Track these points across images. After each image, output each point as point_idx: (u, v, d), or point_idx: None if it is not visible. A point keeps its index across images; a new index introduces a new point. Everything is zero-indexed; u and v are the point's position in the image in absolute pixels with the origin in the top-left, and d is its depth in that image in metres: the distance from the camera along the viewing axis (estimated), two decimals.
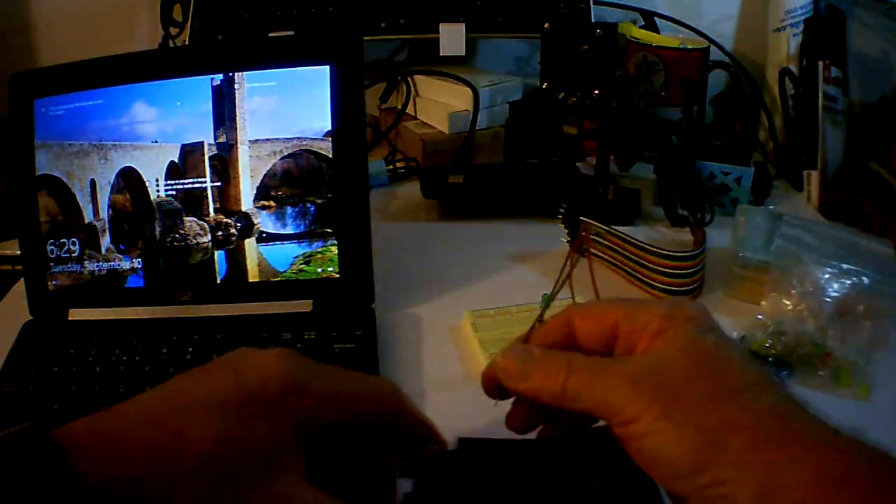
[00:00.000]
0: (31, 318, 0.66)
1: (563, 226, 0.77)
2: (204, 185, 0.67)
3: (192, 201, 0.67)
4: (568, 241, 0.76)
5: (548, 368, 0.37)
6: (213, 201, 0.67)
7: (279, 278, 0.67)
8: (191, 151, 0.67)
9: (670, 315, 0.37)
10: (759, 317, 0.63)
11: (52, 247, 0.67)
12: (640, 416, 0.34)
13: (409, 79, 1.02)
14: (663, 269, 0.68)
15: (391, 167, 0.96)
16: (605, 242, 0.73)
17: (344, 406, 0.37)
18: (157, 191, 0.67)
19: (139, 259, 0.67)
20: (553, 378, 0.37)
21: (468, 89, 0.96)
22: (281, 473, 0.34)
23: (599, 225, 0.73)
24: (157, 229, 0.67)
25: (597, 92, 0.83)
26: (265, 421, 0.34)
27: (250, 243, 0.67)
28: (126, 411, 0.34)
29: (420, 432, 0.41)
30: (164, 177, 0.67)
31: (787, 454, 0.31)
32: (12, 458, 0.30)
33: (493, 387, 0.40)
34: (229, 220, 0.67)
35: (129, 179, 0.67)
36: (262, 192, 0.67)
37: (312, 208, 0.67)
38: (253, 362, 0.36)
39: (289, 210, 0.67)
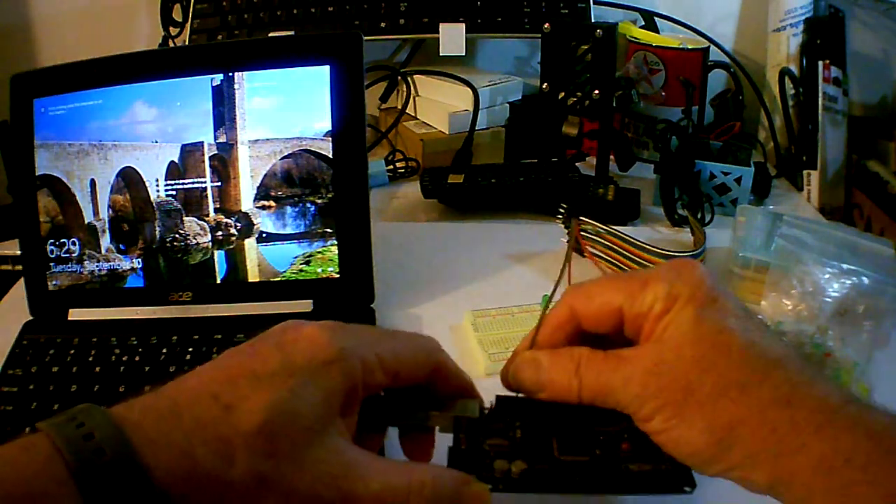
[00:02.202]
0: (31, 318, 0.66)
1: (563, 226, 0.77)
2: (204, 185, 0.67)
3: (192, 201, 0.67)
4: (568, 242, 0.76)
5: (558, 379, 0.39)
6: (213, 201, 0.67)
7: (279, 278, 0.67)
8: (191, 151, 0.67)
9: (671, 294, 0.37)
10: (759, 317, 0.63)
11: (52, 247, 0.67)
12: (652, 417, 0.36)
13: (409, 79, 1.02)
14: None
15: (391, 167, 0.96)
16: (605, 242, 0.73)
17: (390, 369, 0.38)
18: (157, 191, 0.67)
19: (139, 259, 0.67)
20: (565, 389, 0.38)
21: (468, 89, 0.96)
22: (332, 439, 0.35)
23: (598, 224, 0.73)
24: (157, 229, 0.67)
25: (597, 92, 0.83)
26: (314, 389, 0.35)
27: (250, 243, 0.67)
28: (179, 388, 0.34)
29: (459, 387, 0.42)
30: (164, 177, 0.67)
31: (794, 443, 0.33)
32: (73, 434, 0.31)
33: (512, 388, 0.42)
34: (229, 220, 0.67)
35: (129, 179, 0.67)
36: (262, 192, 0.67)
37: (312, 208, 0.67)
38: (297, 335, 0.37)
39: (289, 210, 0.67)
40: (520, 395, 0.42)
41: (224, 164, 0.67)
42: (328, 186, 0.66)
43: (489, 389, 0.43)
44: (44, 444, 0.31)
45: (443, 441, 0.41)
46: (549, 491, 0.38)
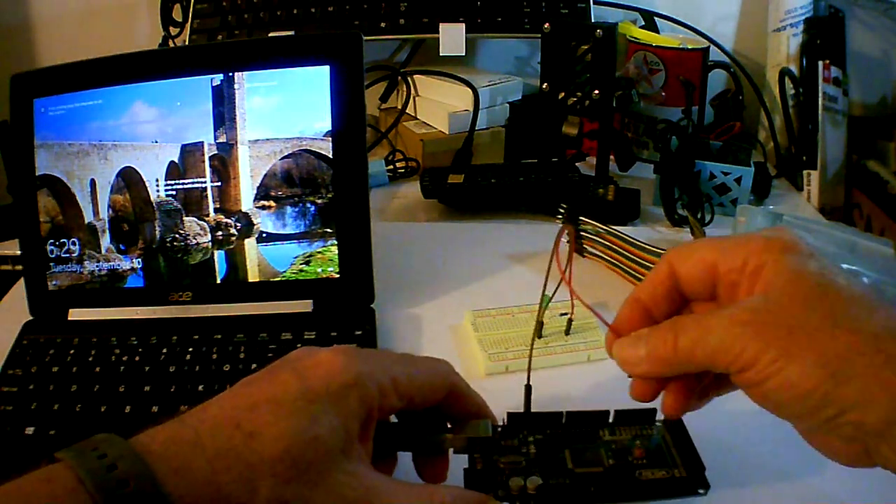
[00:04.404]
0: (31, 318, 0.66)
1: (562, 226, 0.77)
2: (204, 185, 0.67)
3: (192, 201, 0.67)
4: (568, 242, 0.76)
5: (657, 340, 0.37)
6: (213, 201, 0.67)
7: (279, 278, 0.67)
8: (191, 151, 0.67)
9: (766, 248, 0.36)
10: None
11: (52, 247, 0.67)
12: (757, 359, 0.34)
13: (409, 79, 1.02)
14: None
15: (391, 167, 0.96)
16: (605, 242, 0.73)
17: (405, 393, 0.38)
18: (157, 191, 0.67)
19: (139, 259, 0.67)
20: (663, 345, 0.37)
21: (468, 89, 0.96)
22: (351, 464, 0.35)
23: (598, 224, 0.73)
24: (157, 229, 0.67)
25: (597, 92, 0.83)
26: (333, 415, 0.35)
27: (250, 243, 0.67)
28: (200, 417, 0.35)
29: (473, 408, 0.42)
30: (164, 177, 0.67)
31: None
32: (96, 465, 0.31)
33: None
34: (229, 220, 0.67)
35: (129, 179, 0.67)
36: (262, 192, 0.67)
37: (312, 208, 0.67)
38: (313, 361, 0.37)
39: (289, 210, 0.67)
40: (531, 409, 0.43)
41: (224, 164, 0.67)
42: (328, 186, 0.66)
43: (489, 390, 0.43)
44: (66, 475, 0.31)
45: (457, 461, 0.41)
46: None
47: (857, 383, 0.32)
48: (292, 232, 0.67)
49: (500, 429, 0.42)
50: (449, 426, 0.42)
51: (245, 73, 0.66)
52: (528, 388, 0.45)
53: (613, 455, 0.40)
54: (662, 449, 0.40)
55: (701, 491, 0.38)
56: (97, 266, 0.67)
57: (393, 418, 0.42)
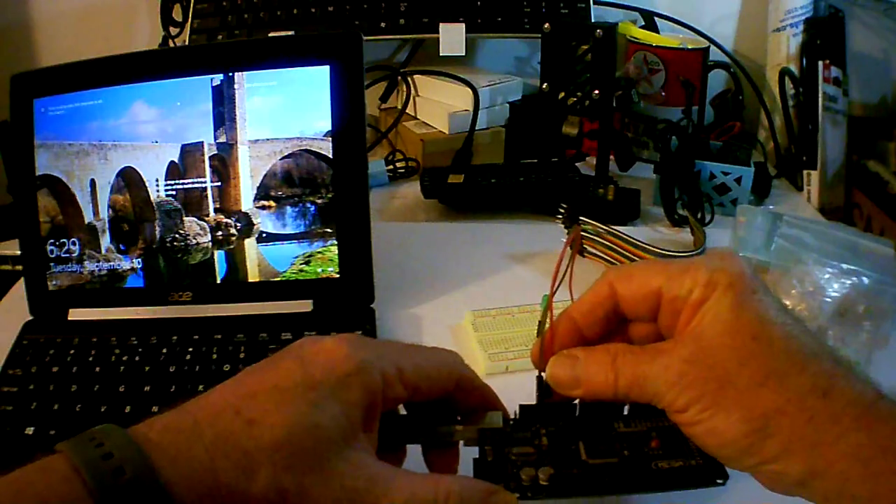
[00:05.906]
0: (31, 317, 0.66)
1: (562, 226, 0.77)
2: (204, 185, 0.67)
3: (192, 201, 0.67)
4: (572, 244, 0.76)
5: (595, 374, 0.38)
6: (213, 201, 0.67)
7: (279, 278, 0.67)
8: (191, 151, 0.67)
9: (711, 282, 0.37)
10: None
11: (52, 247, 0.67)
12: (688, 408, 0.35)
13: (409, 79, 1.02)
14: None
15: (391, 167, 0.96)
16: (605, 242, 0.73)
17: (410, 382, 0.38)
18: (157, 191, 0.67)
19: (139, 259, 0.67)
20: (602, 383, 0.38)
21: (468, 89, 0.96)
22: (352, 452, 0.34)
23: (598, 224, 0.73)
24: (157, 229, 0.67)
25: (597, 92, 0.83)
26: (335, 403, 0.35)
27: (250, 243, 0.67)
28: (200, 404, 0.34)
29: (483, 400, 0.41)
30: (164, 177, 0.67)
31: (831, 433, 0.33)
32: (92, 454, 0.31)
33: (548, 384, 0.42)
34: (229, 220, 0.67)
35: (129, 179, 0.67)
36: (262, 192, 0.67)
37: (312, 208, 0.67)
38: (316, 349, 0.37)
39: (289, 210, 0.67)
40: (544, 400, 0.42)
41: (224, 164, 0.67)
42: (328, 186, 0.66)
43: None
44: (62, 464, 0.31)
45: (467, 454, 0.41)
46: (579, 494, 0.38)
47: (778, 439, 0.34)
48: (292, 232, 0.67)
49: (512, 421, 0.42)
50: (459, 419, 0.41)
51: (245, 73, 0.66)
52: (541, 378, 0.45)
53: (629, 446, 0.39)
54: (679, 439, 0.39)
55: (719, 481, 0.38)
56: (97, 266, 0.67)
57: (402, 411, 0.41)
